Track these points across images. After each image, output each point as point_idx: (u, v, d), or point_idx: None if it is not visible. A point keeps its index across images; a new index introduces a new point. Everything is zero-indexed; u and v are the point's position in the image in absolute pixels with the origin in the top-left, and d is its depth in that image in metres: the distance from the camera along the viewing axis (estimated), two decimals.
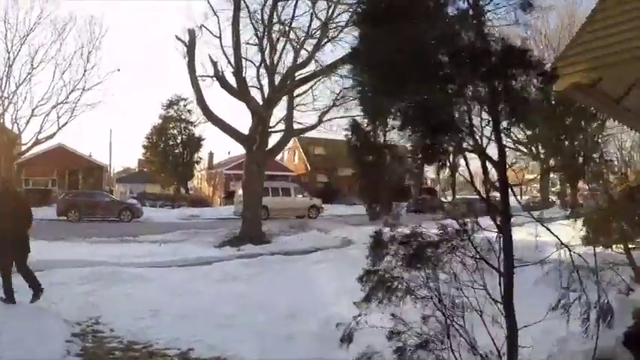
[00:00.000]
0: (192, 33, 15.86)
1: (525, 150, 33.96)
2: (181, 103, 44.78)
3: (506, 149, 3.85)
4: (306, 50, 17.12)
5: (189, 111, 44.78)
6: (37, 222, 22.11)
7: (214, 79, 15.87)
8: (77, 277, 9.27)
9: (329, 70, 16.75)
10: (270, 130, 16.97)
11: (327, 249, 14.55)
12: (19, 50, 29.04)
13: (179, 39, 16.26)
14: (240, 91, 16.03)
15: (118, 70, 37.93)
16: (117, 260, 11.46)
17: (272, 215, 26.81)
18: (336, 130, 22.50)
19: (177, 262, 11.96)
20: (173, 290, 8.54)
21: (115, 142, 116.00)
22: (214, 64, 15.65)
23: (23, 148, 32.03)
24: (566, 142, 27.58)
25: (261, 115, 15.91)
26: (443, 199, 44.39)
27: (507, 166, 3.45)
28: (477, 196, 3.49)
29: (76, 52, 30.47)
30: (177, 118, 45.10)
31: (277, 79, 16.87)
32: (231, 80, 16.06)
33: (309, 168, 48.60)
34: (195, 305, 7.38)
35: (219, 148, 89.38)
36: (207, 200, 44.85)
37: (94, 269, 9.67)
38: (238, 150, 59.98)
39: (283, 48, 17.48)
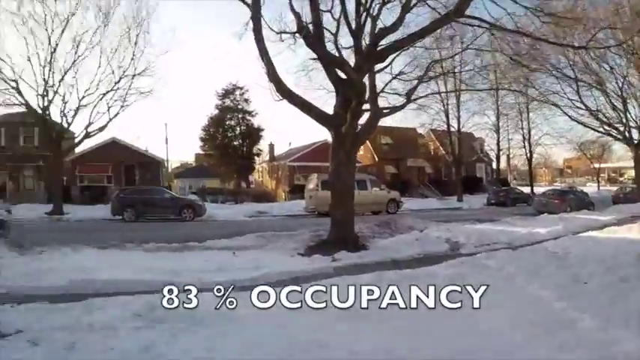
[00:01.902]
0: None
1: None
2: (237, 92, 42.26)
3: None
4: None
5: (246, 100, 42.37)
6: (88, 223, 19.85)
7: (296, 37, 12.76)
8: (130, 315, 6.31)
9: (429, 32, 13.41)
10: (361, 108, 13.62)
11: (440, 256, 11.71)
12: (61, 35, 26.65)
13: None
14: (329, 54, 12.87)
15: (166, 52, 34.56)
16: (182, 279, 8.52)
17: None
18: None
19: (260, 279, 8.86)
20: (284, 346, 5.42)
21: (170, 135, 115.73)
22: (297, 15, 12.52)
23: (73, 142, 30.00)
24: None
25: (357, 84, 12.60)
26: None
27: None
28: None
29: (122, 36, 27.83)
30: (234, 108, 42.46)
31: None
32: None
33: (376, 159, 45.12)
34: None
35: (280, 139, 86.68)
36: (271, 195, 42.18)
37: (154, 299, 6.64)
38: (300, 141, 58.00)
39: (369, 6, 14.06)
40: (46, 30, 26.28)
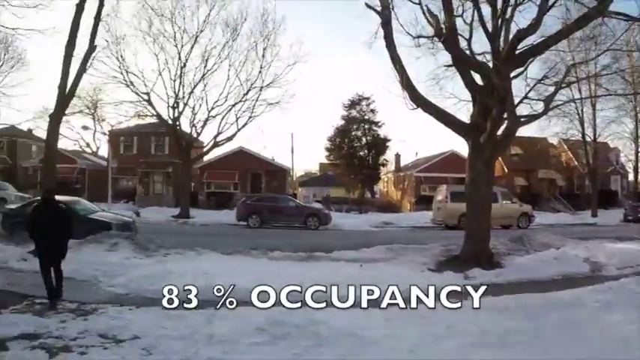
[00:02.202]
0: None
1: None
2: (363, 103, 42.51)
3: None
4: None
5: (372, 111, 42.46)
6: (213, 227, 20.43)
7: (434, 40, 12.19)
8: (252, 329, 6.09)
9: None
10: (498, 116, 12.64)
11: (581, 278, 10.86)
12: (191, 51, 28.42)
13: (370, 6, 12.75)
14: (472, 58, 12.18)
15: (294, 63, 35.09)
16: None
17: None
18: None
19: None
20: None
21: (295, 145, 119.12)
22: (435, 18, 11.95)
23: (202, 151, 31.72)
24: None
25: (499, 90, 11.70)
26: None
27: None
28: None
29: (249, 49, 29.04)
30: (361, 118, 42.73)
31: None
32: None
33: (505, 170, 42.66)
34: None
35: (406, 149, 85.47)
36: (396, 205, 41.83)
37: (281, 316, 6.38)
38: (426, 151, 56.76)
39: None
40: (176, 46, 28.24)
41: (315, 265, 11.90)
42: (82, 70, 13.50)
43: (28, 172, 39.91)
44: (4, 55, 37.16)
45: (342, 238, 18.27)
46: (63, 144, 50.01)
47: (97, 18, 14.17)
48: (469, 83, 12.66)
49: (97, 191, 36.03)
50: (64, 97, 13.47)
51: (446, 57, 13.11)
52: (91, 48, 13.63)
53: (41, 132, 48.73)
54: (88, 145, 50.14)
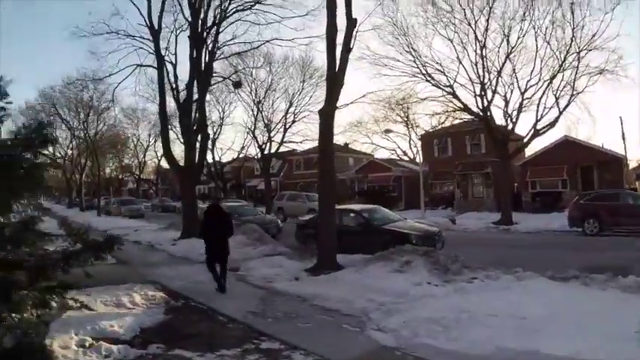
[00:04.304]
0: None
1: None
2: None
3: None
4: None
5: None
6: (538, 236, 15.84)
7: None
8: None
9: None
10: None
11: None
12: (487, 27, 24.54)
13: None
14: None
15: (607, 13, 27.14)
16: None
17: None
18: None
19: None
20: None
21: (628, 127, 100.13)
22: None
23: (520, 144, 27.46)
24: None
25: None
26: None
27: None
28: None
29: (554, 10, 23.35)
30: None
31: None
32: None
33: None
34: None
35: None
36: None
37: None
38: None
39: None
40: (469, 25, 24.86)
41: None
42: (346, 50, 11.96)
43: (346, 183, 42.48)
44: (304, 73, 40.34)
45: None
46: (379, 154, 52.71)
47: None
48: None
49: (413, 198, 35.58)
50: (334, 90, 12.15)
51: None
52: (351, 23, 12.07)
53: (357, 145, 52.50)
54: (404, 153, 51.12)
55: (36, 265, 4.59)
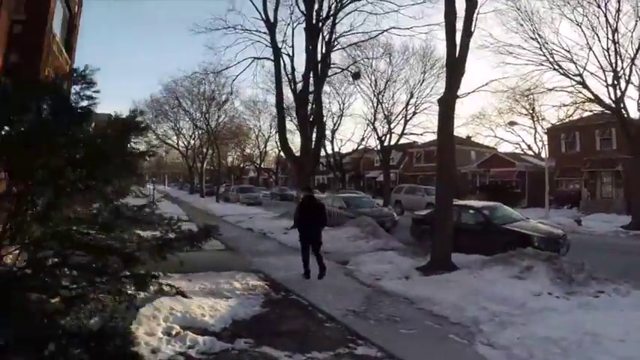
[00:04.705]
0: None
1: None
2: None
3: None
4: None
5: None
6: None
7: None
8: None
9: None
10: None
11: None
12: (619, 9, 21.96)
13: None
14: None
15: None
16: None
17: None
18: None
19: None
20: None
21: None
22: None
23: None
24: None
25: None
26: None
27: None
28: None
29: None
30: None
31: None
32: None
33: None
34: None
35: None
36: None
37: None
38: None
39: None
40: (599, 7, 22.40)
41: None
42: (466, 35, 11.01)
43: (468, 177, 40.58)
44: (425, 64, 38.91)
45: None
46: (503, 148, 49.80)
47: None
48: None
49: (536, 195, 33.18)
50: (454, 77, 11.25)
51: None
52: (471, 4, 11.02)
53: (480, 138, 49.91)
54: (529, 147, 47.76)
55: (126, 251, 4.50)
